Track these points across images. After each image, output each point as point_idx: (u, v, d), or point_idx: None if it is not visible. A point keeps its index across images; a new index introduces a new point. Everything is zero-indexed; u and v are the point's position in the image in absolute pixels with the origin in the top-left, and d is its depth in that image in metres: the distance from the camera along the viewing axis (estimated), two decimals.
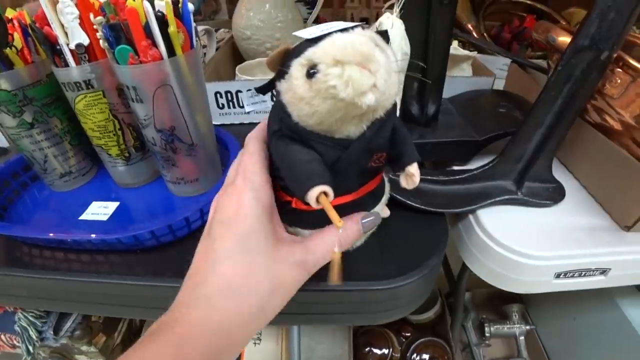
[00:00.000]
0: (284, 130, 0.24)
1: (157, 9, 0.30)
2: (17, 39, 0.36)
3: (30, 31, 0.34)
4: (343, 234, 0.25)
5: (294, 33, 0.24)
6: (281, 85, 0.23)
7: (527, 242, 0.35)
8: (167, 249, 0.35)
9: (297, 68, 0.21)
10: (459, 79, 0.47)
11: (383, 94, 0.21)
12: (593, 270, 0.36)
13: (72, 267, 0.35)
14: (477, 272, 0.37)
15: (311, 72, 0.20)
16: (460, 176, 0.39)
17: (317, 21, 0.70)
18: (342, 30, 0.21)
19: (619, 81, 0.36)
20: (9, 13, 0.38)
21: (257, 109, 0.50)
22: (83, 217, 0.39)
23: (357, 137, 0.23)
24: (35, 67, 0.37)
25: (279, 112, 0.24)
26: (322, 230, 0.25)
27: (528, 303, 0.84)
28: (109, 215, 0.38)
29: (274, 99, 0.29)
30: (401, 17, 0.36)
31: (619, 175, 0.37)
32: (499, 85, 0.55)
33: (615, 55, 0.33)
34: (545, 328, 0.81)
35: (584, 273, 0.36)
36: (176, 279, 0.28)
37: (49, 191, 0.44)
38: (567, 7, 0.68)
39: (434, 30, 0.38)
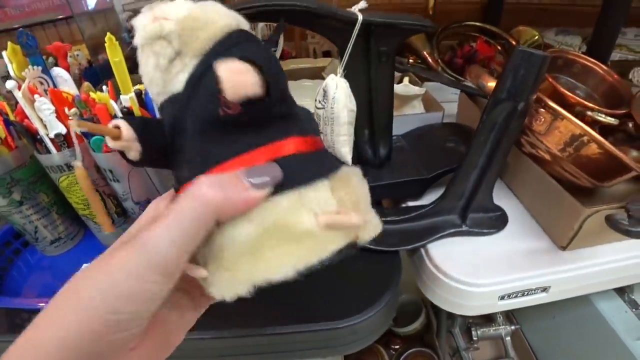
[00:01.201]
0: None
1: (122, 104, 0.35)
2: (0, 129, 0.41)
3: (11, 124, 0.39)
4: (199, 190, 0.17)
5: None
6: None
7: (471, 272, 0.40)
8: None
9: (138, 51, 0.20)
10: (410, 116, 0.53)
11: (179, 23, 0.19)
12: (534, 290, 0.41)
13: None
14: (431, 299, 0.43)
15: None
16: (410, 215, 0.44)
17: (282, 56, 0.75)
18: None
19: (543, 119, 0.42)
20: None
21: None
22: None
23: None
24: (19, 152, 0.42)
25: None
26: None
27: None
28: None
29: None
30: (345, 77, 0.41)
31: (551, 200, 0.42)
32: (454, 109, 0.61)
33: (532, 102, 0.39)
34: (529, 327, 0.86)
35: (526, 293, 0.41)
36: None
37: (41, 255, 0.49)
38: (517, 25, 0.74)
39: (376, 84, 0.43)
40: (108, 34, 0.35)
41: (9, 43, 0.37)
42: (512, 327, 0.85)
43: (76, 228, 0.49)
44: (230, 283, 0.18)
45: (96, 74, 0.59)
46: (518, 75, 0.36)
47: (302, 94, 0.64)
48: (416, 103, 0.55)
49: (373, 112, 0.45)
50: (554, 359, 0.80)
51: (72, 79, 0.39)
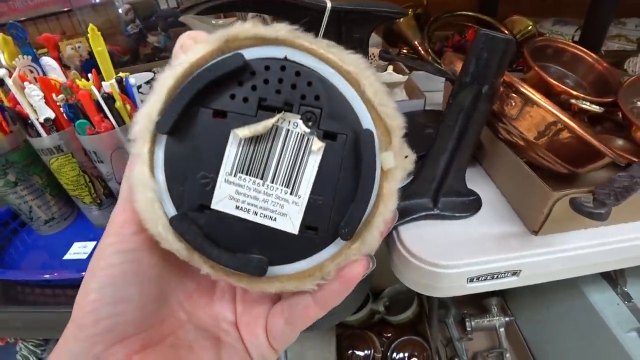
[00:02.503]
0: None
1: (103, 90, 0.38)
2: None
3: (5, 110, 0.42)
4: None
5: None
6: None
7: (440, 254, 0.41)
8: None
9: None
10: None
11: None
12: (504, 273, 0.43)
13: (60, 301, 0.43)
14: (402, 280, 0.44)
15: None
16: None
17: None
18: None
19: (514, 104, 0.42)
20: None
21: None
22: (67, 257, 0.47)
23: None
24: (14, 136, 0.45)
25: None
26: None
27: (506, 295, 0.90)
28: (87, 254, 0.47)
29: None
30: None
31: (525, 186, 0.43)
32: (439, 96, 0.61)
33: (499, 86, 0.40)
34: (523, 318, 0.87)
35: (496, 276, 0.43)
36: None
37: (36, 235, 0.52)
38: (512, 15, 0.74)
39: None
40: (90, 25, 0.38)
41: (0, 34, 0.40)
42: (507, 319, 0.86)
43: (69, 209, 0.53)
44: None
45: (97, 65, 0.63)
46: (482, 59, 0.37)
47: None
48: (398, 91, 0.56)
49: None
50: (547, 351, 0.80)
51: (59, 68, 0.42)
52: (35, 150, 0.44)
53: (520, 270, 0.43)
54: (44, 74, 0.43)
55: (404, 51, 0.75)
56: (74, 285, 0.44)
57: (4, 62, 0.41)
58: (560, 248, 0.42)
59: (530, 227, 0.43)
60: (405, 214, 0.44)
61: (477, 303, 0.90)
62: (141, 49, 0.84)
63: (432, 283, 0.42)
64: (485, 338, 0.89)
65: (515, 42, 0.37)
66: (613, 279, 0.70)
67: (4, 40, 0.40)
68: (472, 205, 0.46)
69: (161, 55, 0.83)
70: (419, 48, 0.70)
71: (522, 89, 0.41)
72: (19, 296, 0.44)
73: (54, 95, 0.41)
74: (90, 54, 0.84)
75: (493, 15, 0.78)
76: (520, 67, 0.68)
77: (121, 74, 0.40)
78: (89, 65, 0.75)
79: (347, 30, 0.42)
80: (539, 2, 0.85)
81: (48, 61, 0.43)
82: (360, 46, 0.43)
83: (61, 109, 0.42)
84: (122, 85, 0.39)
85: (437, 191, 0.44)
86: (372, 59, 0.70)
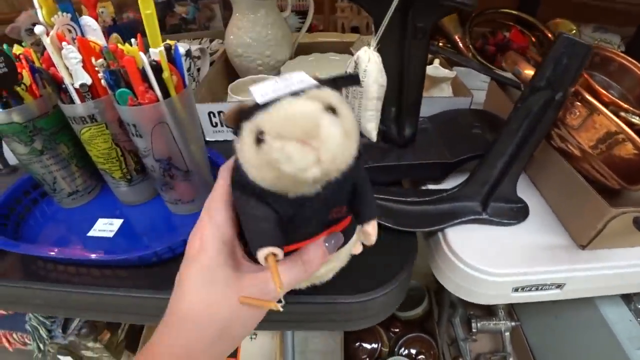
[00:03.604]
0: (242, 183, 0.24)
1: (151, 58, 0.34)
2: (26, 76, 0.40)
3: (37, 72, 0.39)
4: (306, 258, 0.26)
5: (250, 88, 0.23)
6: (236, 144, 0.23)
7: (487, 260, 0.39)
8: (167, 265, 0.40)
9: (247, 133, 0.21)
10: (438, 99, 0.51)
11: (332, 162, 0.20)
12: (549, 285, 0.41)
13: (83, 281, 0.40)
14: (444, 284, 0.43)
15: (259, 139, 0.20)
16: (430, 197, 0.43)
17: (310, 29, 0.73)
18: (293, 94, 0.21)
19: (578, 113, 0.40)
20: (17, 50, 0.42)
21: None
22: (91, 233, 0.44)
23: (313, 195, 0.23)
24: (43, 101, 0.41)
25: (238, 165, 0.24)
26: (283, 261, 0.25)
27: None
28: (114, 232, 0.44)
29: None
30: (378, 51, 0.40)
31: (576, 197, 0.41)
32: (481, 98, 0.59)
33: (570, 94, 0.37)
34: (529, 324, 0.86)
35: (540, 287, 0.41)
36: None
37: (58, 207, 0.49)
38: (554, 17, 0.71)
39: (409, 62, 0.42)
40: None
41: None
42: (513, 324, 0.85)
43: (94, 182, 0.49)
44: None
45: (120, 32, 0.58)
46: (560, 64, 0.34)
47: (329, 67, 0.63)
48: (445, 86, 0.54)
49: (403, 90, 0.44)
50: (551, 359, 0.80)
51: (100, 29, 0.39)
52: (66, 117, 0.41)
53: (565, 284, 0.41)
54: (83, 35, 0.39)
55: (441, 44, 0.72)
56: (99, 264, 0.41)
57: (41, 19, 0.37)
58: (609, 264, 0.40)
59: (578, 241, 0.42)
60: (453, 216, 0.42)
61: (483, 305, 0.89)
62: (168, 19, 0.80)
63: (476, 289, 0.41)
64: (489, 340, 0.89)
65: (592, 50, 0.34)
66: (628, 294, 0.69)
67: None
68: (519, 212, 0.44)
69: (188, 27, 0.79)
70: (460, 43, 0.67)
71: (589, 99, 0.39)
72: (40, 272, 0.41)
73: (92, 59, 0.37)
74: (114, 20, 0.79)
75: (533, 14, 0.75)
76: None
77: (169, 42, 0.36)
78: (111, 32, 0.71)
79: (414, 17, 0.39)
80: (579, 6, 0.82)
81: (88, 21, 0.39)
82: (423, 36, 0.40)
83: (100, 74, 0.38)
84: (170, 54, 0.36)
85: (488, 195, 0.42)
86: None
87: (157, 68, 0.35)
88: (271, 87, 0.22)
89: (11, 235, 0.44)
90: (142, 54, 0.34)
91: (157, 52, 0.35)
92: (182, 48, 0.36)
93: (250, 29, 0.58)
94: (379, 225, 0.40)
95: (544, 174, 0.47)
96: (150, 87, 0.36)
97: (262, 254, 0.23)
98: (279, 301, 0.24)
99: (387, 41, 0.39)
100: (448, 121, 0.51)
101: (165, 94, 0.36)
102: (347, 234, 0.28)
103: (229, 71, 0.66)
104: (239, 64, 0.61)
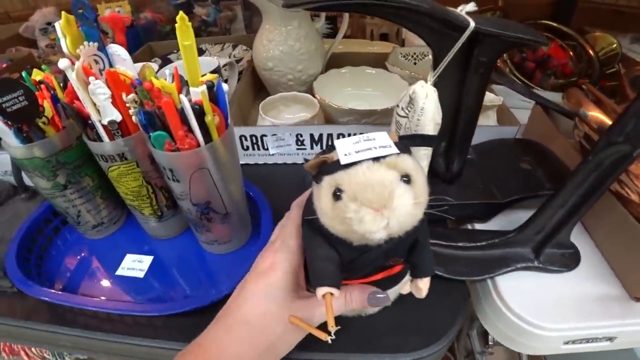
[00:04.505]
0: (313, 222, 0.26)
1: (192, 100, 0.30)
2: (48, 107, 0.36)
3: (62, 106, 0.34)
4: (348, 297, 0.27)
5: (335, 141, 0.25)
6: (314, 190, 0.25)
7: (540, 313, 0.36)
8: (203, 313, 0.37)
9: (327, 186, 0.23)
10: (484, 128, 0.47)
11: (399, 228, 0.22)
12: (600, 338, 0.38)
13: (116, 329, 0.37)
14: (490, 331, 0.40)
15: (336, 195, 0.22)
16: (482, 242, 0.40)
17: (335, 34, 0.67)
18: (374, 159, 0.22)
19: None
20: (36, 75, 0.37)
21: (281, 151, 0.50)
22: (120, 272, 0.41)
23: (375, 246, 0.24)
24: (66, 133, 0.37)
25: (312, 206, 0.25)
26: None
27: None
28: (144, 272, 0.40)
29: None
30: (434, 85, 0.36)
31: (631, 245, 0.38)
32: (518, 115, 0.54)
33: None
34: None
35: (591, 340, 0.38)
36: None
37: (80, 236, 0.45)
38: (586, 25, 0.66)
39: (466, 96, 0.38)
40: (181, 13, 0.29)
41: (63, 13, 0.31)
42: None
43: (119, 213, 0.45)
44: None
45: (138, 34, 0.52)
46: None
47: (364, 82, 0.58)
48: (491, 113, 0.49)
49: (457, 125, 0.40)
50: None
51: (130, 59, 0.34)
52: (93, 154, 0.36)
53: (616, 337, 0.38)
54: (111, 65, 0.34)
55: None
56: (133, 314, 0.37)
57: (65, 50, 0.32)
58: None
59: (631, 292, 0.39)
60: (505, 263, 0.39)
61: None
62: None
63: (525, 341, 0.38)
64: (505, 354, 0.88)
65: None
66: None
67: (67, 21, 0.31)
68: (571, 259, 0.40)
69: (208, 30, 0.72)
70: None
71: None
72: (67, 315, 0.38)
73: (123, 95, 0.33)
74: (132, 21, 0.72)
75: (567, 23, 0.70)
76: (601, 86, 0.61)
77: (209, 77, 0.32)
78: (129, 34, 0.64)
79: (479, 53, 0.34)
80: (615, 14, 0.76)
81: (117, 49, 0.34)
82: (485, 70, 0.36)
83: (131, 111, 0.33)
84: (213, 91, 0.31)
85: (542, 244, 0.39)
86: None
87: (199, 112, 0.30)
88: (354, 147, 0.23)
89: (34, 270, 0.41)
90: (183, 98, 0.29)
91: (200, 92, 0.30)
92: (226, 85, 0.32)
93: (282, 42, 0.52)
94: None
95: (596, 217, 0.43)
96: (190, 130, 0.31)
97: (321, 291, 0.25)
98: (328, 333, 0.25)
99: (444, 75, 0.35)
100: (493, 152, 0.47)
101: (206, 136, 0.32)
102: (399, 276, 0.30)
103: (255, 82, 0.60)
104: (268, 77, 0.56)
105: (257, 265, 0.28)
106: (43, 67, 0.38)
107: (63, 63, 0.30)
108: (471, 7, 0.33)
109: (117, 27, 0.34)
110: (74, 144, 0.38)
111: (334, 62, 0.59)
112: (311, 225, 0.27)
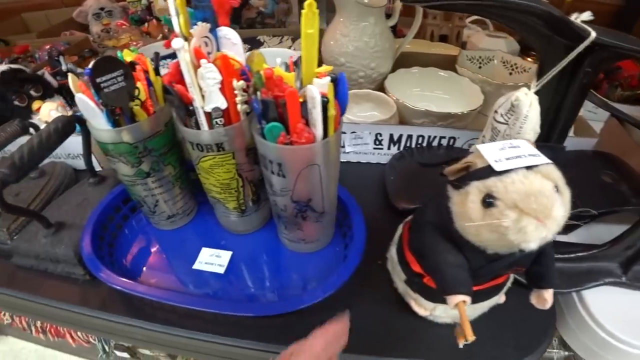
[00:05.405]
0: (439, 226, 0.25)
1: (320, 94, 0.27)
2: (142, 90, 0.33)
3: (163, 91, 0.31)
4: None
5: (477, 146, 0.24)
6: (453, 195, 0.24)
7: (629, 329, 0.34)
8: (290, 314, 0.34)
9: (475, 191, 0.22)
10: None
11: (552, 237, 0.21)
12: None
13: (196, 325, 0.34)
14: (573, 346, 0.38)
15: (487, 201, 0.21)
16: (568, 255, 0.38)
17: (395, 34, 0.63)
18: (528, 168, 0.21)
19: None
20: (127, 56, 0.34)
21: (357, 150, 0.47)
22: (197, 266, 0.38)
23: (507, 255, 0.23)
24: (156, 118, 0.34)
25: (442, 210, 0.25)
26: None
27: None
28: (224, 267, 0.37)
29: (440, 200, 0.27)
30: (535, 93, 0.33)
31: None
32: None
33: None
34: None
35: None
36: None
37: (147, 224, 0.42)
38: None
39: (567, 106, 0.36)
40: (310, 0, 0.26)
41: None
42: (566, 353, 0.82)
43: (192, 205, 0.42)
44: None
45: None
46: None
47: (433, 83, 0.55)
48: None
49: (551, 134, 0.37)
50: None
51: (240, 43, 0.31)
52: (187, 142, 0.33)
53: None
54: (218, 48, 0.31)
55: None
56: (223, 313, 0.33)
57: (177, 29, 0.28)
58: None
59: None
60: (591, 277, 0.37)
61: None
62: (244, 11, 0.69)
63: (610, 357, 0.36)
64: None
65: None
66: None
67: None
68: None
69: (264, 22, 0.68)
70: None
71: None
72: (146, 309, 0.35)
73: (234, 82, 0.29)
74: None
75: (629, 29, 0.67)
76: None
77: (326, 68, 0.28)
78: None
79: (589, 63, 0.32)
80: None
81: (227, 32, 0.30)
82: (589, 81, 0.33)
83: (238, 99, 0.30)
84: (334, 84, 0.28)
85: (631, 260, 0.37)
86: (513, 68, 0.59)
87: (323, 104, 0.27)
88: (502, 154, 0.22)
89: (107, 258, 0.38)
90: (313, 90, 0.26)
91: (326, 84, 0.27)
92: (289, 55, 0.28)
93: (357, 38, 0.49)
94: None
95: None
96: (306, 123, 0.28)
97: (455, 300, 0.24)
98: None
99: (549, 84, 0.33)
100: (573, 164, 0.44)
101: (325, 133, 0.29)
102: (502, 285, 0.30)
103: None
104: None
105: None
106: (132, 48, 0.35)
107: (177, 42, 0.27)
108: (587, 16, 0.30)
109: (223, 9, 0.31)
110: (162, 130, 0.35)
111: (400, 62, 0.56)
112: (437, 228, 0.26)
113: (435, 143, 0.46)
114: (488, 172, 0.22)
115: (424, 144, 0.46)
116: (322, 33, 0.65)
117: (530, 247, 0.21)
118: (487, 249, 0.23)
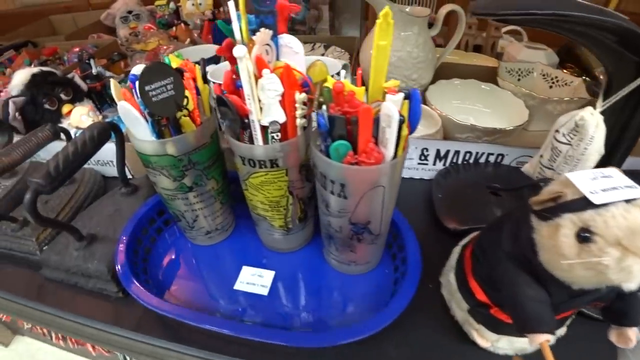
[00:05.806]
0: (517, 257, 0.24)
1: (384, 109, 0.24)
2: (190, 100, 0.30)
3: (217, 102, 0.28)
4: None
5: (567, 175, 0.22)
6: (541, 227, 0.22)
7: None
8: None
9: (568, 225, 0.20)
10: None
11: None
12: None
13: (241, 354, 0.31)
14: None
15: (583, 236, 0.19)
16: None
17: None
18: (627, 201, 0.19)
19: None
20: (174, 62, 0.31)
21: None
22: (238, 286, 0.35)
23: (592, 290, 0.22)
24: (202, 130, 0.31)
25: (523, 241, 0.23)
26: None
27: None
28: (267, 288, 0.34)
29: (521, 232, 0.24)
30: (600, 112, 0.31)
31: None
32: None
33: None
34: None
35: None
36: None
37: (181, 237, 0.40)
38: None
39: (632, 125, 0.33)
40: (386, 8, 0.23)
41: None
42: None
43: (230, 220, 0.39)
44: None
45: (218, 29, 0.46)
46: None
47: (474, 96, 0.52)
48: None
49: (614, 155, 0.35)
50: None
51: (303, 52, 0.28)
52: (236, 156, 0.30)
53: None
54: (277, 57, 0.28)
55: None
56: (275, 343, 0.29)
57: (238, 35, 0.26)
58: None
59: None
60: None
61: None
62: None
63: None
64: None
65: None
66: None
67: (245, 4, 0.25)
68: None
69: (295, 28, 0.65)
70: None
71: None
72: (182, 331, 0.32)
73: (296, 94, 0.27)
74: (214, 14, 0.65)
75: None
76: None
77: (393, 83, 0.26)
78: (213, 30, 0.58)
79: None
80: None
81: (289, 41, 0.28)
82: None
83: (298, 113, 0.28)
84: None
85: None
86: (554, 81, 0.56)
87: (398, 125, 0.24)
88: (596, 184, 0.20)
89: (142, 275, 0.35)
90: (390, 107, 0.23)
91: (399, 100, 0.24)
92: (336, 66, 0.26)
93: (400, 48, 0.46)
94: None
95: None
96: (376, 142, 0.26)
97: (539, 339, 0.22)
98: None
99: (616, 104, 0.30)
100: None
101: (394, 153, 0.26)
102: (568, 318, 0.28)
103: None
104: None
105: None
106: (176, 53, 0.32)
107: (240, 50, 0.24)
108: None
109: (282, 15, 0.28)
110: (207, 142, 0.32)
111: (438, 72, 0.53)
112: (514, 260, 0.24)
113: (482, 159, 0.43)
114: (583, 204, 0.20)
115: (471, 160, 0.44)
116: (355, 41, 0.63)
117: (631, 287, 0.20)
118: (573, 284, 0.22)
